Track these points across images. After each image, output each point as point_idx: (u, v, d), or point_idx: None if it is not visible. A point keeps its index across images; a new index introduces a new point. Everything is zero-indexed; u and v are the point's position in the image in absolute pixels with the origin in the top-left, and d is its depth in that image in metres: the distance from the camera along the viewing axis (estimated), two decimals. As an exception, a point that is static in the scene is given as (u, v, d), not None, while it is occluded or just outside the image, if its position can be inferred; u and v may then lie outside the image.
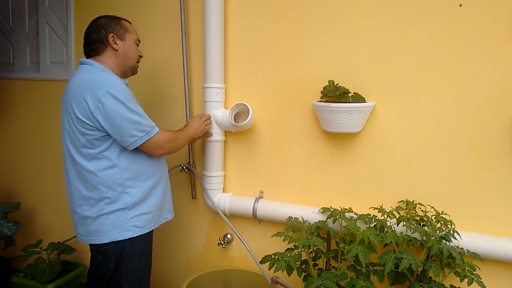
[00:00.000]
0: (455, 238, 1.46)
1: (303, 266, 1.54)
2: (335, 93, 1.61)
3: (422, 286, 1.37)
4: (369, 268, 1.50)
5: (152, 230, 1.62)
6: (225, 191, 2.03)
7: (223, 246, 2.04)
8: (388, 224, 1.54)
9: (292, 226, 1.60)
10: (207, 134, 1.89)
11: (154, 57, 2.12)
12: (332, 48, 1.74)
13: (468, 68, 1.53)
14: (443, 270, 1.40)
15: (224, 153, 1.99)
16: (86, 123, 1.42)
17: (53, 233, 2.53)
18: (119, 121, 1.42)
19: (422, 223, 1.54)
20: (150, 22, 2.12)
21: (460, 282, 1.35)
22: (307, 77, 1.80)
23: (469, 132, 1.55)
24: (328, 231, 1.58)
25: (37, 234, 2.60)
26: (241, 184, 2.01)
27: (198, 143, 2.06)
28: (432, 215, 1.56)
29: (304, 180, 1.85)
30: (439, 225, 1.51)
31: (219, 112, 1.90)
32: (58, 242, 2.30)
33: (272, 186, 1.93)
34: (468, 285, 1.34)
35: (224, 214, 1.93)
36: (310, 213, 1.73)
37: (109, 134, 1.45)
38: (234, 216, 1.97)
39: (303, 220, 1.65)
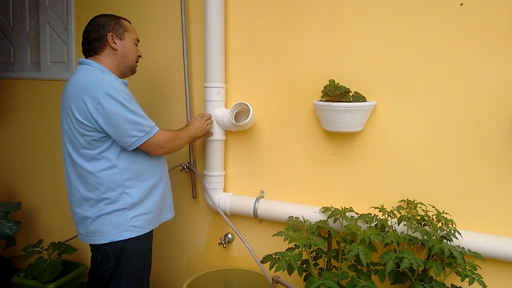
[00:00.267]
0: (456, 238, 1.45)
1: (304, 266, 1.55)
2: (335, 93, 1.61)
3: (423, 285, 1.37)
4: (370, 267, 1.50)
5: (152, 230, 1.62)
6: (226, 190, 2.03)
7: (224, 245, 2.04)
8: (389, 224, 1.54)
9: (293, 226, 1.60)
10: (208, 133, 1.89)
11: (155, 57, 2.12)
12: (332, 48, 1.74)
13: (469, 68, 1.53)
14: (444, 269, 1.41)
15: (224, 152, 1.99)
16: (85, 124, 1.42)
17: (54, 232, 2.54)
18: (119, 122, 1.42)
19: (423, 223, 1.54)
20: (150, 22, 2.12)
21: (461, 281, 1.35)
22: (307, 76, 1.79)
23: (469, 131, 1.55)
24: (329, 231, 1.58)
25: (38, 234, 2.60)
26: (241, 184, 2.01)
27: (199, 143, 2.06)
28: (433, 215, 1.55)
29: (305, 179, 1.85)
30: (440, 224, 1.51)
31: (220, 112, 1.90)
32: (59, 242, 2.30)
33: (273, 186, 1.93)
34: (469, 285, 1.34)
35: (224, 214, 1.93)
36: (311, 213, 1.73)
37: (108, 135, 1.45)
38: (235, 215, 1.97)
39: (303, 219, 1.65)
